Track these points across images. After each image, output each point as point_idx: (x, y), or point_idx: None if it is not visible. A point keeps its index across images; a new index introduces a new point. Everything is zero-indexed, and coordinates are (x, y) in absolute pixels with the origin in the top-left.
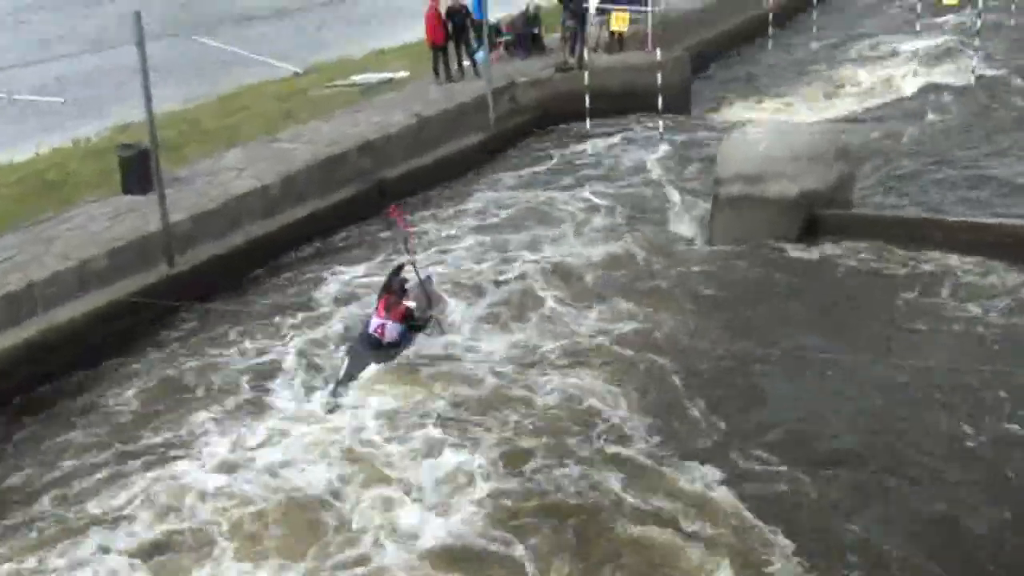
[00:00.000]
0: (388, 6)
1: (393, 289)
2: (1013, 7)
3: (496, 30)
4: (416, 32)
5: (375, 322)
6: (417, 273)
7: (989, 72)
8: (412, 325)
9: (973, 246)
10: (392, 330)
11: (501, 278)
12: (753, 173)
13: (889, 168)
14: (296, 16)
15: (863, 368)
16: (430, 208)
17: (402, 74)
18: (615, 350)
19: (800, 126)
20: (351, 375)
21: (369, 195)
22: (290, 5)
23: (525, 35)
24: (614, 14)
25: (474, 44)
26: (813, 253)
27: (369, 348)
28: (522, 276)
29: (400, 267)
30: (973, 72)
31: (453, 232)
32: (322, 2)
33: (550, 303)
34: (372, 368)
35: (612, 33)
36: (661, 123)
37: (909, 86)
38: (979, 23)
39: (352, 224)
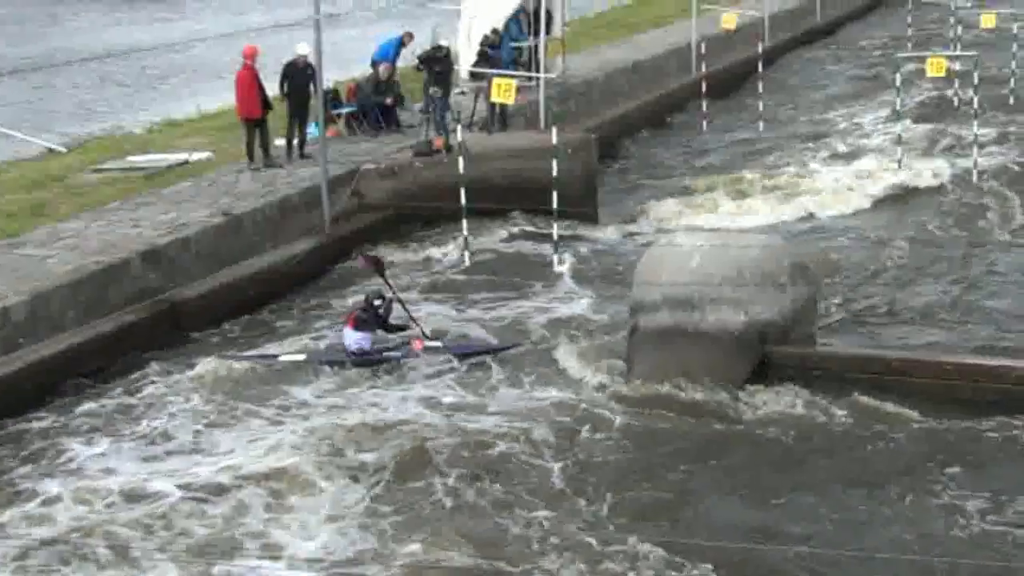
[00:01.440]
0: (188, 62)
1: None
2: (1012, 82)
3: (333, 98)
4: (225, 97)
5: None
6: (398, 299)
7: (994, 162)
8: (387, 327)
9: (977, 395)
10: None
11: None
12: (684, 297)
13: (864, 291)
14: (55, 73)
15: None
16: (236, 345)
17: (202, 155)
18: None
19: (746, 236)
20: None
21: (157, 323)
22: (52, 54)
23: (374, 105)
24: (495, 81)
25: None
26: (765, 404)
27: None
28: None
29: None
30: (975, 165)
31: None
32: (94, 57)
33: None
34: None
35: (493, 106)
36: (557, 229)
37: (889, 183)
38: (976, 100)
39: (130, 364)
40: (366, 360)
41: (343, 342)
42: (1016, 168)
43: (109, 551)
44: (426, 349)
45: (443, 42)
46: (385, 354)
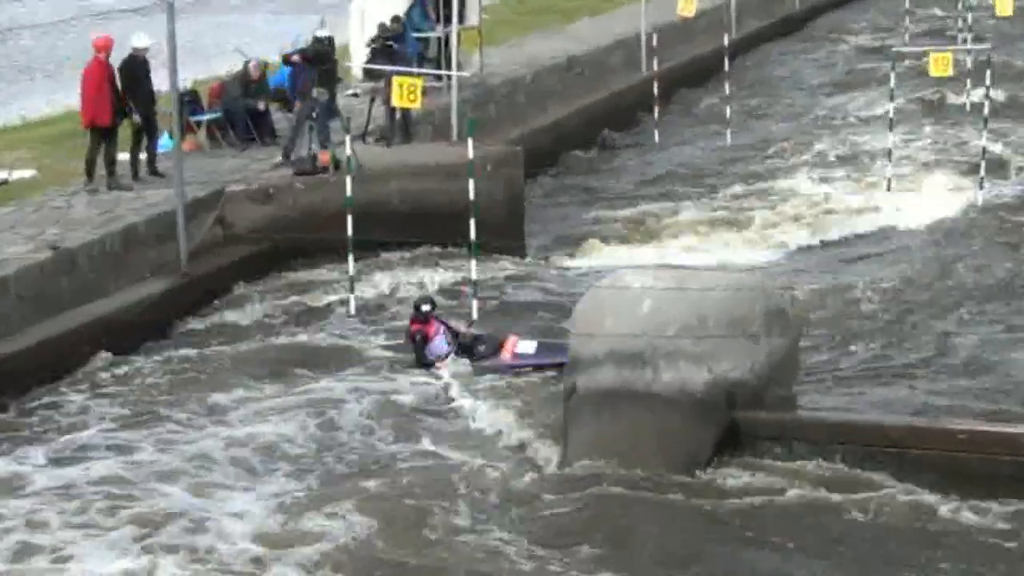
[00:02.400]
0: (8, 54)
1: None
2: None
3: (191, 101)
4: (57, 100)
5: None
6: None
7: (1005, 189)
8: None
9: (994, 470)
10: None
11: None
12: (633, 351)
13: (850, 342)
14: None
15: None
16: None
17: (25, 173)
18: None
19: (709, 275)
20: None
21: None
22: None
23: (244, 111)
24: (396, 81)
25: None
26: (735, 485)
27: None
28: None
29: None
30: (981, 187)
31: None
32: None
33: None
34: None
35: (393, 111)
36: (474, 267)
37: (880, 209)
38: (987, 106)
39: None
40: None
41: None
42: None
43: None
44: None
45: (321, 32)
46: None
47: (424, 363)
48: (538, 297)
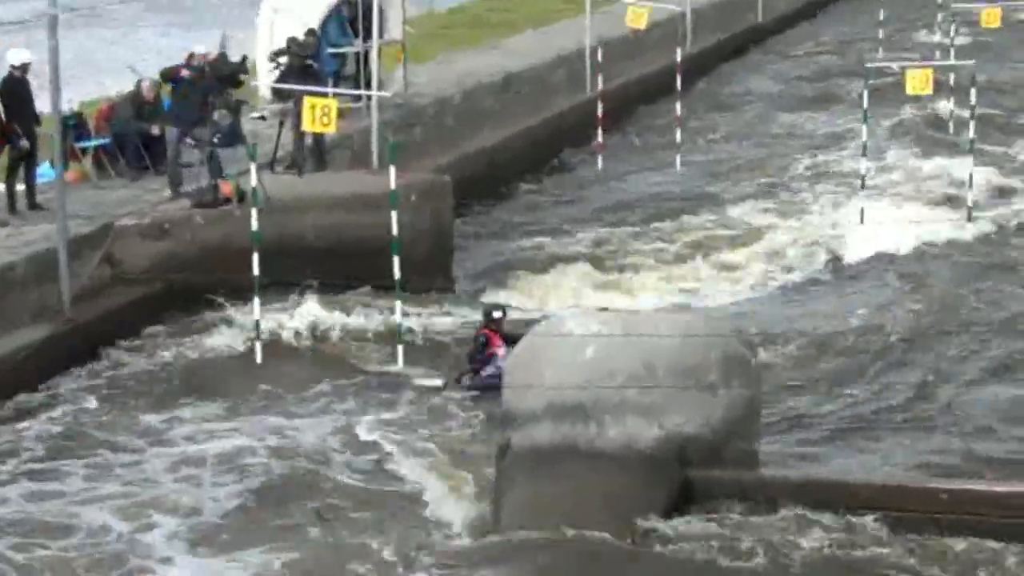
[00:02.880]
0: None
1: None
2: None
3: (76, 125)
4: None
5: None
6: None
7: (999, 210)
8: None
9: (979, 530)
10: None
11: None
12: (574, 404)
13: (816, 393)
14: None
15: None
16: None
17: None
18: None
19: (660, 317)
20: None
21: None
22: None
23: (136, 135)
24: (309, 102)
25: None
26: (688, 552)
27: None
28: None
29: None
30: (970, 214)
31: None
32: None
33: None
34: None
35: (302, 136)
36: (399, 309)
37: (853, 243)
38: (972, 128)
39: None
40: None
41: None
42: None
43: None
44: None
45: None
46: None
47: (472, 383)
48: (467, 339)
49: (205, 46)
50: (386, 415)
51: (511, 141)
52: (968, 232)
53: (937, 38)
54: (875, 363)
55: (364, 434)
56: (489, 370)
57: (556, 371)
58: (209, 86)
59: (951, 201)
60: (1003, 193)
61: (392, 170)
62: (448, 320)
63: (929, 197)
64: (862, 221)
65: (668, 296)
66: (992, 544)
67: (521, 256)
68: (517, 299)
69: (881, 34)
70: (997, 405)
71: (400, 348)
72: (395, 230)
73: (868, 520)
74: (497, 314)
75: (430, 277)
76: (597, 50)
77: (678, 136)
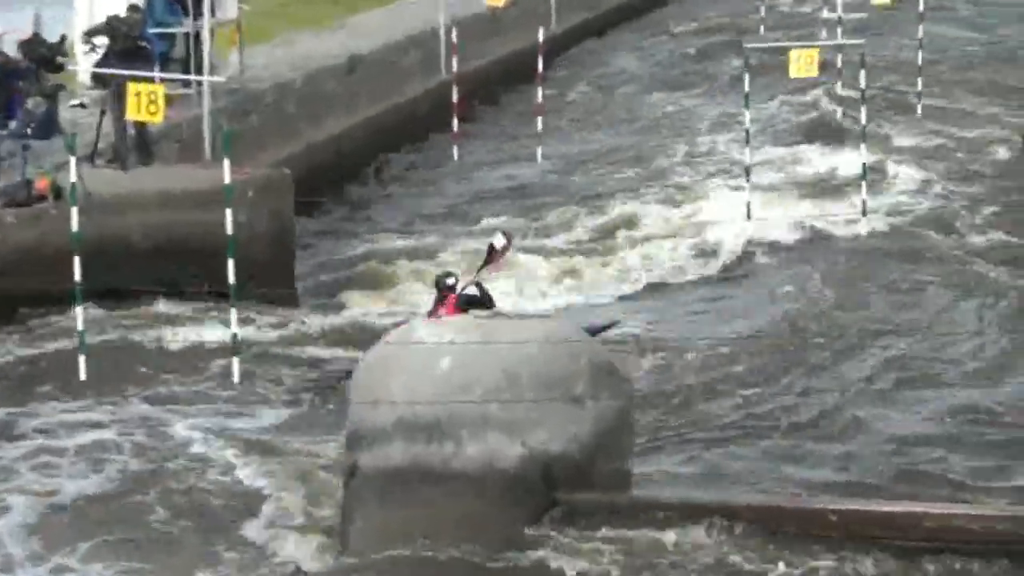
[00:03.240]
0: None
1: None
2: (919, 84)
3: None
4: None
5: None
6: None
7: (894, 201)
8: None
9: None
10: None
11: None
12: (428, 420)
13: (696, 404)
14: None
15: None
16: None
17: None
18: None
19: (521, 324)
20: None
21: None
22: None
23: None
24: (133, 88)
25: None
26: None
27: None
28: None
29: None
30: (864, 207)
31: None
32: None
33: None
34: None
35: (125, 126)
36: (235, 318)
37: (739, 240)
38: (863, 113)
39: None
40: None
41: None
42: (922, 217)
43: None
44: None
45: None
46: None
47: None
48: (315, 352)
49: (14, 25)
50: (232, 427)
51: (358, 130)
52: (862, 227)
53: (825, 14)
54: (761, 371)
55: (204, 449)
56: None
57: (408, 384)
58: (20, 70)
59: (843, 193)
60: (898, 183)
61: (226, 163)
62: (291, 330)
63: (820, 188)
64: (749, 216)
65: (530, 299)
66: (886, 565)
67: (372, 257)
68: (367, 304)
69: (763, 11)
70: (891, 418)
71: (236, 362)
72: (230, 230)
73: (751, 542)
74: (450, 280)
75: (270, 283)
76: (452, 29)
77: (539, 125)
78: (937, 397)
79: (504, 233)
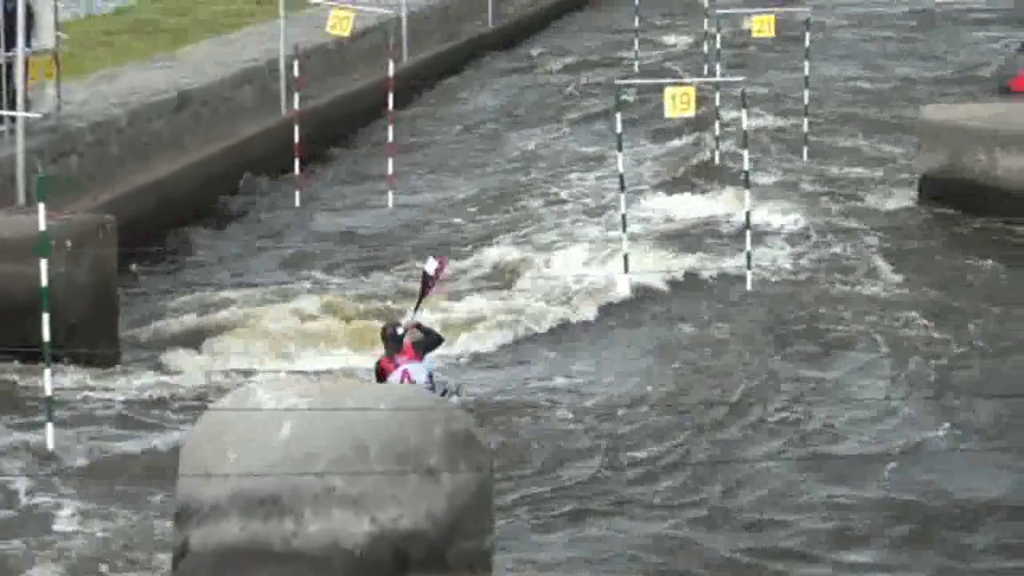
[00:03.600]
0: None
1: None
2: (805, 124)
3: None
4: None
5: (394, 376)
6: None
7: (779, 252)
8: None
9: None
10: (416, 372)
11: None
12: (266, 494)
13: (562, 472)
14: None
15: None
16: None
17: None
18: None
19: (370, 389)
20: None
21: None
22: None
23: None
24: None
25: None
26: None
27: None
28: None
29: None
30: (749, 260)
31: None
32: None
33: None
34: None
35: None
36: (49, 382)
37: (614, 294)
38: (746, 157)
39: None
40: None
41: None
42: (813, 267)
43: None
44: None
45: None
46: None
47: None
48: (141, 418)
49: None
50: (44, 502)
51: (188, 173)
52: (747, 283)
53: (705, 48)
54: (639, 435)
55: (14, 529)
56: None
57: (244, 454)
58: None
59: (727, 244)
60: (784, 231)
61: (42, 209)
62: (114, 392)
63: (701, 237)
64: (626, 269)
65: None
66: None
67: (204, 312)
68: (198, 364)
69: (637, 45)
70: (771, 489)
71: (50, 429)
72: (45, 282)
73: None
74: (400, 331)
75: (90, 340)
76: (294, 62)
77: (390, 166)
78: (848, 469)
79: (434, 256)
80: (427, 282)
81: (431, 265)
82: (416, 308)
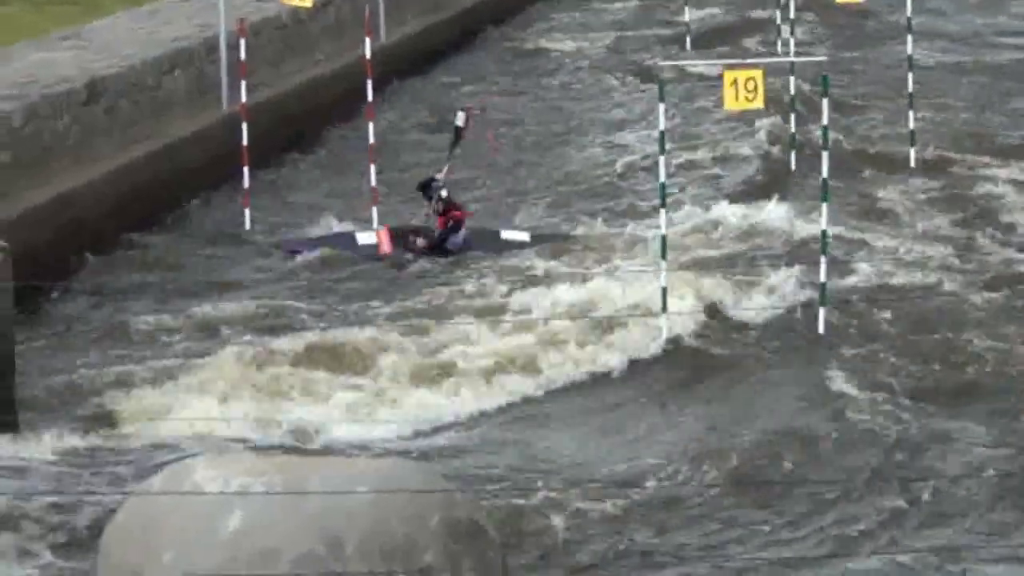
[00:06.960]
0: None
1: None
2: (911, 119)
3: None
4: None
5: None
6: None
7: (859, 282)
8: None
9: None
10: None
11: None
12: None
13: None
14: None
15: None
16: None
17: None
18: None
19: (345, 464)
20: None
21: None
22: None
23: None
24: None
25: None
26: None
27: None
28: None
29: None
30: (823, 295)
31: None
32: None
33: None
34: None
35: None
36: None
37: (649, 342)
38: (825, 161)
39: None
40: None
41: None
42: (905, 299)
43: None
44: None
45: None
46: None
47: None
48: (47, 498)
49: None
50: None
51: (102, 187)
52: (819, 324)
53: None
54: (677, 529)
55: None
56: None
57: (182, 551)
58: None
59: (794, 275)
60: (868, 256)
61: None
62: (11, 469)
63: (762, 267)
64: (664, 309)
65: (359, 425)
66: None
67: (122, 366)
68: (118, 431)
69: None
70: None
71: None
72: None
73: None
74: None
75: None
76: (240, 42)
77: (372, 176)
78: None
79: (463, 110)
80: (459, 133)
81: (460, 118)
82: (450, 155)
